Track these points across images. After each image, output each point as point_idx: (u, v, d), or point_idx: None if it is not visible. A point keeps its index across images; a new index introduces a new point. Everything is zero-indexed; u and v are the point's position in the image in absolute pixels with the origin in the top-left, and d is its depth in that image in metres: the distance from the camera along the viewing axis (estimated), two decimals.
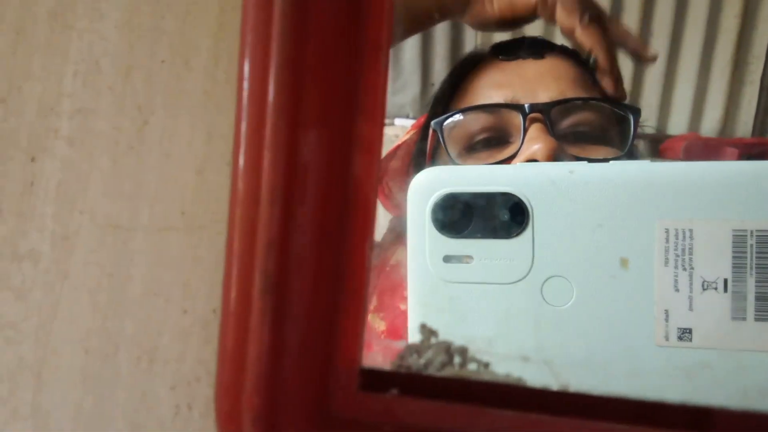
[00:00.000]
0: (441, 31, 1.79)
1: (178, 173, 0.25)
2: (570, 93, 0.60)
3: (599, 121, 0.60)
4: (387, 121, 1.82)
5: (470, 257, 0.33)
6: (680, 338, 0.31)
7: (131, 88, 0.26)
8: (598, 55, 0.61)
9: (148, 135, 0.25)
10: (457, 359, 0.20)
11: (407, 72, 1.85)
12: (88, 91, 0.26)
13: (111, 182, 0.25)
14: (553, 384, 0.19)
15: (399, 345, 0.20)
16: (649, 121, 1.74)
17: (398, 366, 0.20)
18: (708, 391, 0.30)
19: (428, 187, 0.34)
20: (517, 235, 0.33)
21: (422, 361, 0.20)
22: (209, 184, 0.25)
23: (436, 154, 0.65)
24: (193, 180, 0.25)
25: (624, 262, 0.31)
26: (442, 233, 0.33)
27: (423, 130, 0.73)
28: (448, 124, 0.61)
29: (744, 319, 0.30)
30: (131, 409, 0.25)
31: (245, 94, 0.20)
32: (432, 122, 0.62)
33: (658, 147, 1.57)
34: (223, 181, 0.25)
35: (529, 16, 0.65)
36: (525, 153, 0.54)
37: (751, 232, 0.30)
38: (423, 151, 0.69)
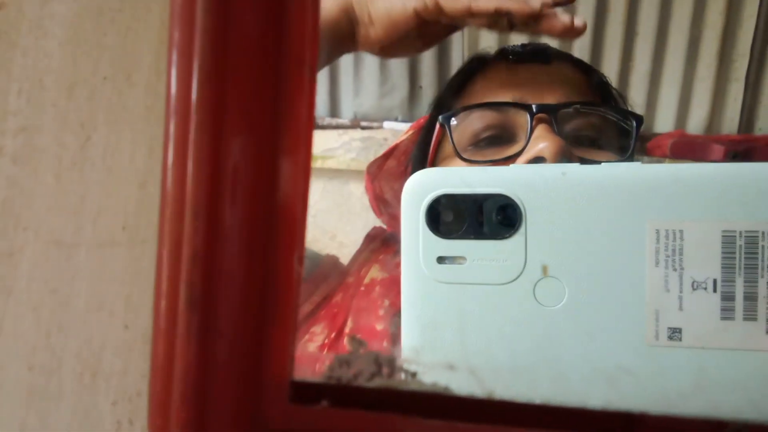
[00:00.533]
0: None
1: (121, 188, 0.25)
2: (575, 98, 0.60)
3: (603, 127, 0.60)
4: (375, 124, 1.82)
5: (463, 258, 0.33)
6: (670, 338, 0.31)
7: (74, 105, 0.26)
8: (512, 8, 0.57)
9: (91, 151, 0.26)
10: (385, 369, 0.20)
11: (395, 75, 1.85)
12: (32, 108, 0.26)
13: (55, 198, 0.26)
14: (478, 391, 0.19)
15: (328, 357, 0.20)
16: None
17: (328, 378, 0.21)
18: (695, 389, 0.31)
19: (422, 188, 0.35)
20: (510, 236, 0.33)
21: (351, 371, 0.20)
22: (151, 198, 0.25)
23: (440, 149, 0.66)
24: (135, 194, 0.25)
25: (603, 244, 0.32)
26: (436, 234, 0.34)
27: (424, 130, 0.73)
28: (455, 120, 0.62)
29: (733, 318, 0.30)
30: (75, 425, 0.25)
31: (171, 108, 0.20)
32: (440, 117, 0.63)
33: (646, 145, 1.58)
34: None
35: (411, 28, 0.62)
36: (531, 151, 0.54)
37: (740, 232, 0.30)
38: (422, 151, 0.70)
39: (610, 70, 1.67)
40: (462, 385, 0.20)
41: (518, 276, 0.33)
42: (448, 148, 0.63)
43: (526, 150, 0.56)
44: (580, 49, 1.67)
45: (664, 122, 1.75)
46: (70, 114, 0.26)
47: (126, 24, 0.26)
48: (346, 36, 0.65)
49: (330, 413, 0.20)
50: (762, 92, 1.69)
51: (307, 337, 0.63)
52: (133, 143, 0.26)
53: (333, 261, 0.78)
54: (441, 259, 0.34)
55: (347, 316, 0.65)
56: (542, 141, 0.55)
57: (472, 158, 0.60)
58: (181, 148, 0.20)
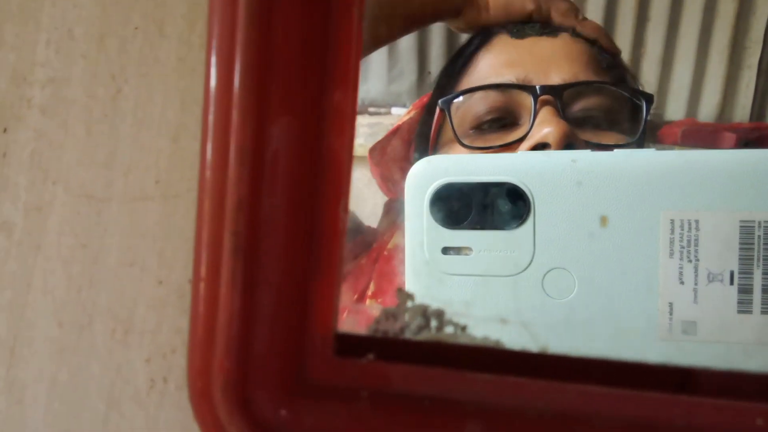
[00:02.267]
0: None
1: (153, 141, 0.25)
2: (583, 76, 0.59)
3: (611, 106, 0.59)
4: (383, 110, 1.81)
5: (469, 249, 0.32)
6: (684, 332, 0.30)
7: (105, 56, 0.25)
8: (603, 41, 0.62)
9: (122, 103, 0.25)
10: (433, 322, 0.20)
11: (403, 61, 1.84)
12: (61, 59, 0.25)
13: (85, 152, 0.25)
14: (532, 346, 0.18)
15: (375, 310, 0.20)
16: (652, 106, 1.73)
17: (374, 331, 0.20)
18: None
19: (426, 176, 0.33)
20: (518, 226, 0.32)
21: (398, 325, 0.20)
22: (184, 151, 0.25)
23: (440, 134, 0.65)
24: (167, 148, 0.25)
25: (615, 234, 0.31)
26: (441, 224, 0.33)
27: (426, 110, 0.72)
28: (455, 103, 0.60)
29: (750, 312, 0.29)
30: (107, 382, 0.24)
31: (213, 57, 0.19)
32: (439, 101, 0.61)
33: (656, 133, 1.56)
34: (199, 149, 0.24)
35: (525, 18, 0.65)
36: (535, 136, 0.52)
37: (759, 222, 0.29)
38: (425, 131, 0.68)
39: (621, 55, 1.65)
40: (514, 339, 0.19)
41: (526, 267, 0.32)
42: (449, 132, 0.62)
43: (529, 135, 0.54)
44: None
45: (675, 110, 1.73)
46: (101, 65, 0.25)
47: None
48: (451, 12, 0.66)
49: (376, 367, 0.19)
50: None
51: None
52: (165, 96, 0.25)
53: (373, 232, 0.76)
54: (446, 250, 0.33)
55: (370, 279, 0.64)
56: (546, 126, 0.53)
57: (474, 144, 0.58)
58: (224, 99, 0.19)
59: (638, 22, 1.67)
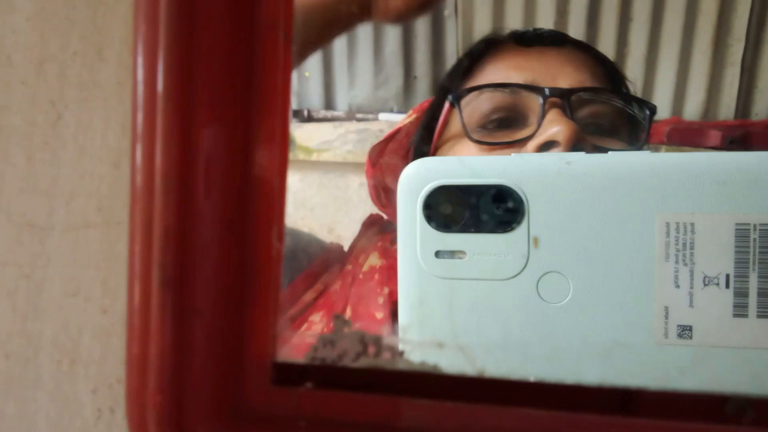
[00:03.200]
0: (422, 23, 1.78)
1: (94, 168, 0.24)
2: (588, 83, 0.59)
3: (615, 115, 0.59)
4: (371, 116, 1.81)
5: (463, 252, 0.32)
6: (680, 336, 0.30)
7: (44, 82, 0.25)
8: None
9: (63, 130, 0.25)
10: (371, 349, 0.19)
11: (389, 66, 1.84)
12: (0, 86, 0.25)
13: (26, 180, 0.25)
14: (469, 369, 0.18)
15: (311, 337, 0.20)
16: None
17: (312, 358, 0.20)
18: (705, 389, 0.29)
19: (419, 179, 0.33)
20: (512, 229, 0.31)
21: (336, 352, 0.19)
22: (126, 177, 0.24)
23: (445, 132, 0.65)
24: (109, 174, 0.24)
25: (611, 238, 0.30)
26: (434, 227, 0.32)
27: (428, 112, 0.72)
28: (465, 99, 0.60)
29: (746, 316, 0.29)
30: (54, 414, 0.24)
31: (139, 84, 0.19)
32: (450, 95, 0.61)
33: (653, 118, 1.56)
34: None
35: None
36: (544, 135, 0.52)
37: (755, 226, 0.29)
38: (426, 133, 0.68)
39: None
40: (451, 362, 0.19)
41: (521, 271, 0.31)
42: (454, 128, 0.62)
43: (538, 133, 0.54)
44: (575, 34, 1.65)
45: (660, 109, 1.73)
46: (40, 91, 0.25)
47: None
48: (361, 7, 0.65)
49: (315, 395, 0.19)
50: (758, 77, 1.69)
51: (305, 325, 0.62)
52: (105, 121, 0.25)
53: (337, 249, 0.76)
54: (439, 254, 0.32)
55: (346, 304, 0.64)
56: (556, 125, 0.53)
57: (482, 140, 0.58)
58: (150, 127, 0.19)
59: (621, 22, 1.68)
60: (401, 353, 0.19)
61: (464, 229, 0.32)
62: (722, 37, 1.65)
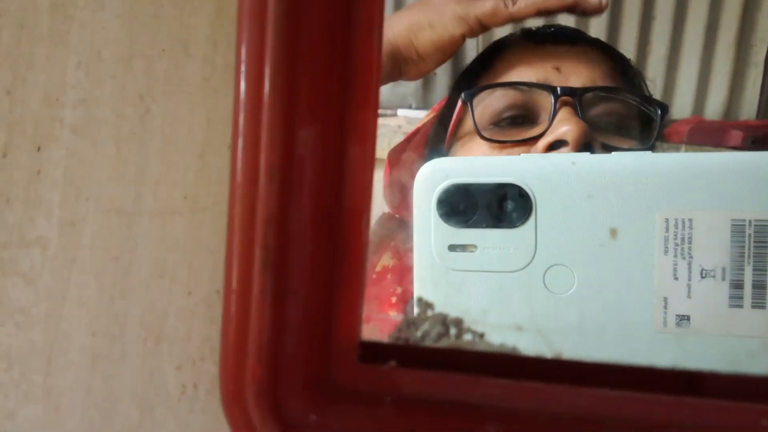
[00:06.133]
0: None
1: (180, 158, 0.26)
2: (600, 82, 0.60)
3: (628, 113, 0.60)
4: (389, 112, 1.81)
5: (474, 246, 0.34)
6: (678, 325, 0.31)
7: (132, 77, 0.26)
8: (551, 5, 0.61)
9: (150, 122, 0.26)
10: (453, 330, 0.21)
11: None
12: (90, 80, 0.27)
13: (115, 168, 0.26)
14: (547, 352, 0.19)
15: (397, 318, 0.21)
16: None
17: (396, 338, 0.21)
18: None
19: (434, 177, 0.35)
20: (521, 224, 0.33)
21: (419, 333, 0.21)
22: (210, 167, 0.26)
23: (458, 129, 0.66)
24: (194, 164, 0.26)
25: (613, 233, 0.32)
26: (448, 223, 0.34)
27: (442, 111, 0.73)
28: (478, 97, 0.61)
29: (741, 306, 0.31)
30: (139, 389, 0.26)
31: (242, 83, 0.20)
32: (462, 93, 0.63)
33: (663, 131, 1.56)
34: (224, 165, 0.26)
35: (456, 51, 0.66)
36: (554, 133, 0.53)
37: (750, 221, 0.31)
38: (440, 131, 0.70)
39: (626, 54, 1.66)
40: (529, 345, 0.20)
41: (528, 263, 0.33)
42: (467, 126, 0.63)
43: (548, 132, 0.55)
44: (597, 32, 1.65)
45: (681, 108, 1.73)
46: (129, 86, 0.26)
47: None
48: (391, 76, 0.68)
49: (398, 373, 0.20)
50: None
51: None
52: (191, 114, 0.26)
53: None
54: (452, 248, 0.34)
55: None
56: (566, 124, 0.54)
57: (493, 137, 0.59)
58: (253, 118, 0.20)
59: (643, 20, 1.67)
60: (481, 335, 0.21)
61: (475, 224, 0.34)
62: (745, 36, 1.64)
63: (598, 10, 0.62)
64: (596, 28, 1.67)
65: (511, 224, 0.33)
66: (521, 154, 0.36)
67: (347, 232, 0.20)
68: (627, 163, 0.33)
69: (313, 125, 0.20)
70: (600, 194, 0.32)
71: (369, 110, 0.20)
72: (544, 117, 0.58)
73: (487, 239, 0.34)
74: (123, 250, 0.26)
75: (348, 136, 0.20)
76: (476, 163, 0.36)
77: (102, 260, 0.26)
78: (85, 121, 0.26)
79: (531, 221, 0.33)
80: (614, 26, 1.70)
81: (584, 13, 0.62)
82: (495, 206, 0.34)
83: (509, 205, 0.34)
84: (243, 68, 0.20)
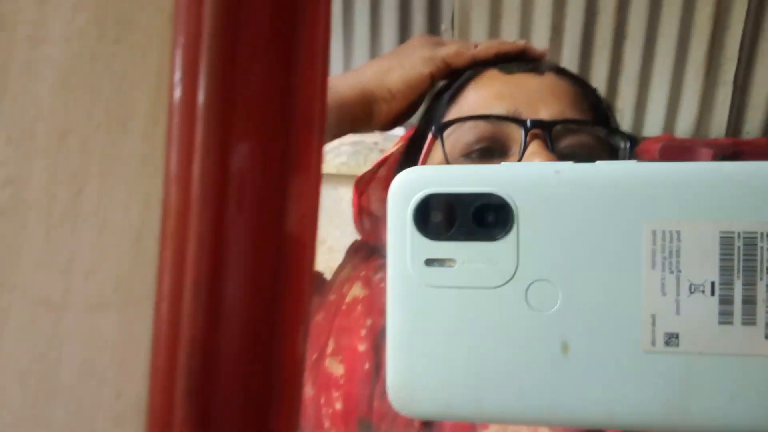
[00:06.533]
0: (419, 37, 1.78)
1: (114, 244, 0.24)
2: (569, 113, 0.60)
3: (596, 146, 0.61)
4: None
5: (453, 260, 0.32)
6: (667, 343, 0.30)
7: (66, 155, 0.24)
8: (508, 49, 0.71)
9: (83, 204, 0.24)
10: None
11: None
12: (21, 158, 0.25)
13: (44, 256, 0.24)
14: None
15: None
16: (624, 122, 1.75)
17: None
18: (693, 397, 0.30)
19: (410, 187, 0.33)
20: (502, 237, 0.31)
21: None
22: (146, 254, 0.24)
23: (429, 159, 0.66)
24: (129, 251, 0.24)
25: (599, 246, 0.30)
26: (424, 235, 0.32)
27: (411, 142, 0.72)
28: (448, 130, 0.61)
29: (731, 323, 0.29)
30: None
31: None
32: (432, 127, 0.63)
33: (634, 149, 1.57)
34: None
35: (425, 92, 0.71)
36: None
37: (739, 233, 0.29)
38: (408, 165, 0.69)
39: (599, 73, 1.67)
40: None
41: (510, 279, 0.31)
42: (437, 158, 0.63)
43: None
44: (570, 51, 1.67)
45: (652, 126, 1.75)
46: (61, 164, 0.24)
47: (121, 69, 0.25)
48: (362, 117, 0.70)
49: None
50: (750, 96, 1.70)
51: None
52: (128, 195, 0.24)
53: (318, 279, 0.76)
54: (429, 262, 0.32)
55: (329, 336, 0.64)
56: (537, 157, 0.55)
57: None
58: (182, 208, 0.18)
59: (616, 39, 1.69)
60: None
61: (454, 237, 0.32)
62: (715, 55, 1.66)
63: (542, 56, 0.71)
64: (570, 46, 1.68)
65: (492, 237, 0.32)
66: (502, 163, 0.33)
67: (282, 351, 0.19)
68: (613, 172, 0.31)
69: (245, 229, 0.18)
70: (584, 205, 0.31)
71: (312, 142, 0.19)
72: (515, 149, 0.58)
73: (467, 253, 0.32)
74: (49, 347, 0.24)
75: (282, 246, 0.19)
76: (455, 172, 0.33)
77: (26, 358, 0.24)
78: (13, 203, 0.24)
79: (512, 233, 0.31)
80: (587, 44, 1.71)
81: (533, 57, 0.70)
82: (475, 217, 0.32)
83: (490, 216, 0.32)
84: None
